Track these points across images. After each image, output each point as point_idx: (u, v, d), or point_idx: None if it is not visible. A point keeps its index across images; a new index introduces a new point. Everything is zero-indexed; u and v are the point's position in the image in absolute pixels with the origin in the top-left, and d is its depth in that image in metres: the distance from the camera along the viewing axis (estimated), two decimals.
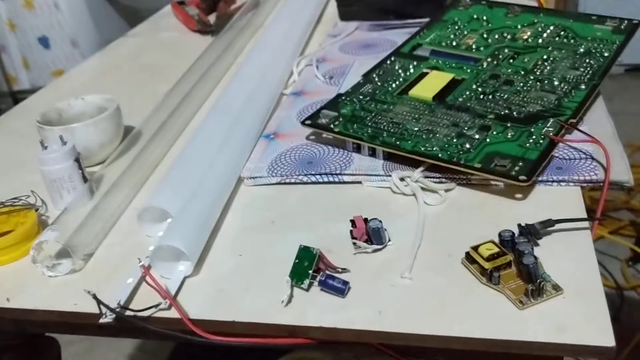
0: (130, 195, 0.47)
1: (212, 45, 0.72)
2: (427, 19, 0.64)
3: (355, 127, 0.47)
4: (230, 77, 0.65)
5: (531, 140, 0.43)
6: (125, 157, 0.50)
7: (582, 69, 0.50)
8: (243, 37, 0.77)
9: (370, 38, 0.70)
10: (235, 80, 0.59)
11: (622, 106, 0.42)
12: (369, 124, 0.47)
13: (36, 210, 0.45)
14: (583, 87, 0.48)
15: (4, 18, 1.69)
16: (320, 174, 0.45)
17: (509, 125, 0.45)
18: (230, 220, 0.43)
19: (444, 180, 0.43)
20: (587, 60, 0.51)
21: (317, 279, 0.35)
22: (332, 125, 0.48)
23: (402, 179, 0.43)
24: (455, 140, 0.44)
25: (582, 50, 0.53)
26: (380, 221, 0.38)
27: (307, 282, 0.35)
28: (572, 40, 0.55)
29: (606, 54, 0.52)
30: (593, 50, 0.53)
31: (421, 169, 0.43)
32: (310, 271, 0.35)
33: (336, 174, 0.45)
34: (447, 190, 0.42)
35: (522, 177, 0.39)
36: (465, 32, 0.59)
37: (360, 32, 0.73)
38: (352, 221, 0.39)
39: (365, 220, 0.38)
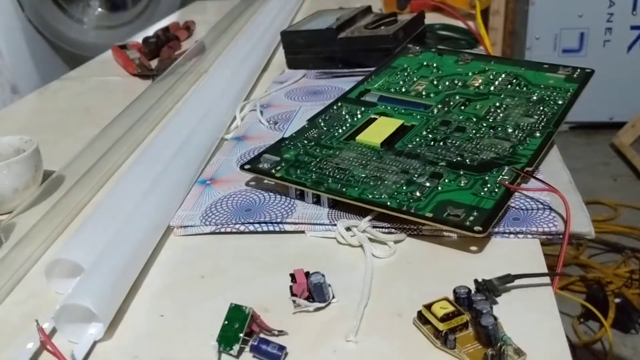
0: (43, 247, 0.42)
1: (150, 89, 0.68)
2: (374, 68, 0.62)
3: (299, 172, 0.43)
4: (167, 122, 0.60)
5: (486, 189, 0.40)
6: (42, 205, 0.45)
7: (536, 117, 0.48)
8: (184, 82, 0.74)
9: (317, 85, 0.68)
10: (170, 125, 0.55)
11: (566, 163, 0.42)
12: (313, 169, 0.43)
13: None
14: (538, 134, 0.46)
15: None
16: (259, 223, 0.41)
17: (461, 173, 0.42)
18: (154, 275, 0.38)
19: (393, 230, 0.39)
20: (542, 108, 0.49)
21: (249, 343, 0.30)
22: (273, 171, 0.44)
23: (348, 229, 0.39)
24: (405, 187, 0.40)
25: (535, 97, 0.51)
26: (323, 275, 0.34)
27: (236, 347, 0.30)
28: (524, 88, 0.53)
29: (560, 102, 0.50)
30: (547, 98, 0.51)
31: (369, 218, 0.39)
32: (241, 334, 0.30)
33: (276, 223, 0.41)
34: (396, 242, 0.38)
35: (477, 228, 0.36)
36: (415, 79, 0.57)
37: (307, 80, 0.70)
38: (292, 275, 0.34)
39: (307, 274, 0.34)
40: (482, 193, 0.39)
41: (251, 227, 0.41)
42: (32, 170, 0.47)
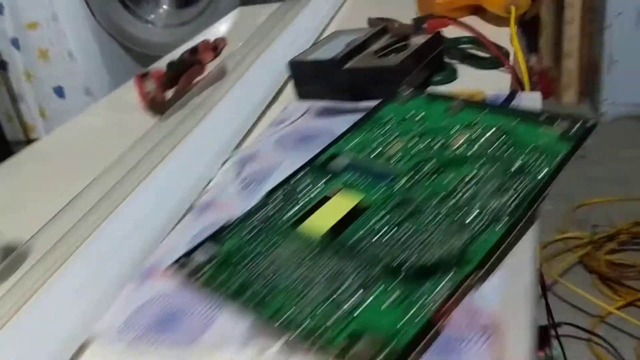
0: None
1: (146, 136, 0.67)
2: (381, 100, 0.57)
3: (226, 274, 0.40)
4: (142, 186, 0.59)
5: (415, 307, 0.35)
6: None
7: (509, 194, 0.42)
8: (191, 118, 0.72)
9: (313, 127, 0.63)
10: (132, 199, 0.54)
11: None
12: (242, 270, 0.41)
13: None
14: (500, 223, 0.40)
15: (20, 68, 1.72)
16: (169, 343, 0.38)
17: (395, 282, 0.37)
18: None
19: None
20: (519, 181, 0.43)
21: None
22: (202, 271, 0.41)
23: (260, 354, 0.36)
24: (323, 306, 0.36)
25: (516, 166, 0.44)
26: None
27: None
28: (509, 150, 0.46)
29: (542, 173, 0.43)
30: (529, 166, 0.44)
31: (283, 341, 0.36)
32: None
33: (187, 344, 0.38)
34: None
35: None
36: (393, 136, 0.51)
37: (307, 118, 0.66)
38: None
39: None
40: (410, 313, 0.35)
41: (162, 346, 0.39)
42: None
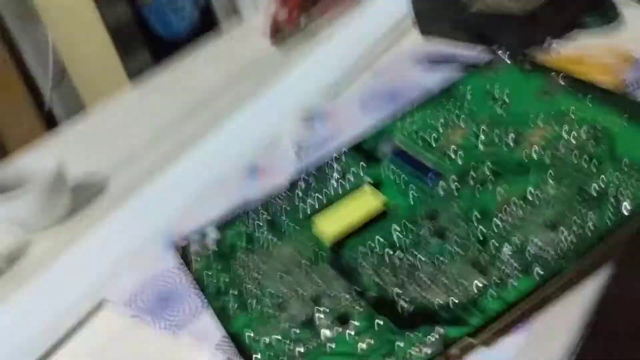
0: None
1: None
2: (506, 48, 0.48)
3: (217, 268, 0.37)
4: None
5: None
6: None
7: (565, 232, 0.32)
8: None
9: (403, 84, 0.55)
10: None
11: None
12: (233, 266, 0.37)
13: None
14: (540, 271, 0.30)
15: None
16: (160, 322, 0.37)
17: (378, 322, 0.31)
18: None
19: None
20: (590, 211, 0.32)
21: None
22: (197, 258, 0.38)
23: None
24: (297, 332, 0.32)
25: (595, 190, 0.33)
26: None
27: None
28: (592, 165, 0.35)
29: (626, 210, 0.32)
30: (612, 195, 0.33)
31: None
32: None
33: (175, 327, 0.36)
34: None
35: None
36: (460, 119, 0.42)
37: (407, 68, 0.57)
38: None
39: None
40: None
41: (156, 326, 0.37)
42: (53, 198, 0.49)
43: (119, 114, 0.67)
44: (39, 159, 0.52)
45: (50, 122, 1.47)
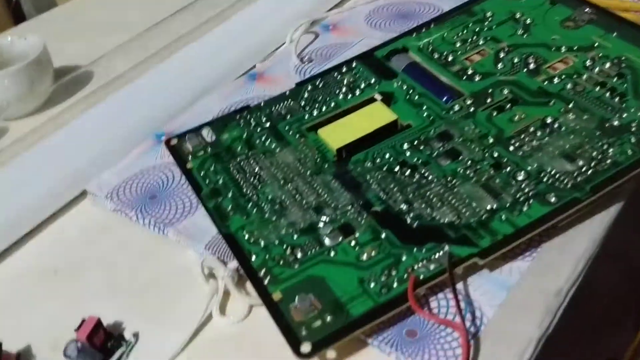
0: None
1: None
2: None
3: (214, 167, 0.35)
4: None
5: (393, 273, 0.28)
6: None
7: (582, 162, 0.31)
8: None
9: (416, 2, 0.52)
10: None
11: None
12: (231, 168, 0.35)
13: None
14: (551, 200, 0.29)
15: None
16: (146, 218, 0.35)
17: (383, 235, 0.29)
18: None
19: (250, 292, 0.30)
20: (606, 147, 0.31)
21: None
22: (191, 157, 0.36)
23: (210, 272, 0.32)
24: (295, 237, 0.30)
25: (616, 122, 0.32)
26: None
27: None
28: (616, 99, 0.34)
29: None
30: (630, 135, 0.32)
31: (235, 264, 0.31)
32: None
33: (162, 225, 0.35)
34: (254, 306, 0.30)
35: (303, 348, 0.26)
36: (482, 41, 0.40)
37: None
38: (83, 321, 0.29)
39: (101, 329, 0.29)
40: (377, 282, 0.28)
41: (140, 222, 0.35)
42: (31, 78, 0.46)
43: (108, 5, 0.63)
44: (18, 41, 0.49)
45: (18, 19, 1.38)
